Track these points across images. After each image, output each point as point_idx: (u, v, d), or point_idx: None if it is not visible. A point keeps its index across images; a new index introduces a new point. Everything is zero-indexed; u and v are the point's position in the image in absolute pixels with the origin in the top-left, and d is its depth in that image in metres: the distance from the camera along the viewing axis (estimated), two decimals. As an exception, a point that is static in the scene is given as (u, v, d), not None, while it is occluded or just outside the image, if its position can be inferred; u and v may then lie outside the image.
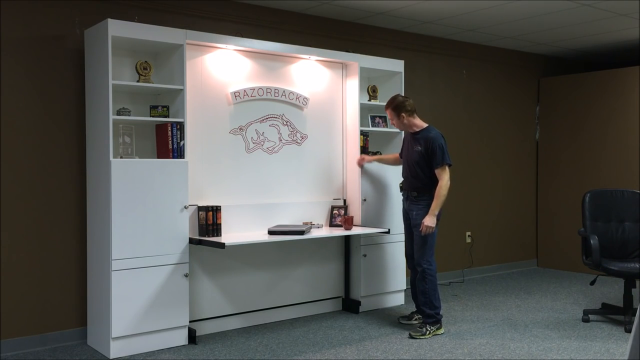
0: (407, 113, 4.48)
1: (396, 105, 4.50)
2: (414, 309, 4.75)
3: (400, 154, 4.79)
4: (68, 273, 4.17)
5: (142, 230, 3.92)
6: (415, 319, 4.65)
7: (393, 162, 4.95)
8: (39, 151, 4.07)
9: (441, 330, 4.42)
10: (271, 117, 4.72)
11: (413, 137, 4.53)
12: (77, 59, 4.18)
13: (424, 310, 4.40)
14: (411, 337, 4.30)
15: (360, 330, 4.51)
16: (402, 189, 4.71)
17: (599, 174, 6.70)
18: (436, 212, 4.34)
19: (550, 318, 4.87)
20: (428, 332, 4.33)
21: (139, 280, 3.91)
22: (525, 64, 7.15)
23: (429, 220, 4.32)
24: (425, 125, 4.53)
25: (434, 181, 4.39)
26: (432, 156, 4.36)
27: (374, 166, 5.09)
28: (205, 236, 4.19)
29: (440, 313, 4.44)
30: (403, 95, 4.65)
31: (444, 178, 4.34)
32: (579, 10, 5.23)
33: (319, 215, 4.94)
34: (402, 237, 5.21)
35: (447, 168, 4.37)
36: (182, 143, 4.10)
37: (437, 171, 4.36)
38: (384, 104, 5.27)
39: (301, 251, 4.85)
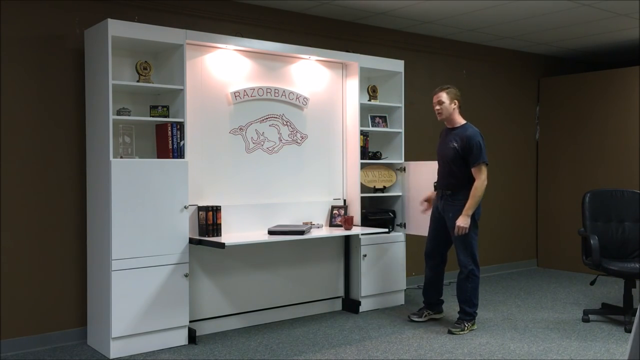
0: (458, 104, 4.47)
1: (451, 91, 4.47)
2: (422, 306, 4.82)
3: None
4: (68, 273, 4.17)
5: (142, 230, 3.92)
6: (425, 315, 4.70)
7: None
8: (39, 151, 4.07)
9: (475, 326, 4.52)
10: (271, 117, 4.72)
11: (449, 132, 4.50)
12: (77, 59, 4.18)
13: (464, 308, 4.46)
14: (450, 332, 4.39)
15: (360, 330, 4.51)
16: (436, 187, 4.67)
17: (599, 174, 6.70)
18: (470, 212, 4.30)
19: (550, 318, 4.87)
20: (466, 327, 4.43)
21: (139, 280, 3.91)
22: (525, 64, 7.16)
23: (462, 221, 4.30)
24: (464, 122, 4.50)
25: (470, 179, 4.34)
26: (469, 154, 4.32)
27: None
28: (205, 236, 4.18)
29: (477, 311, 4.53)
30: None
31: (481, 177, 4.30)
32: (579, 10, 5.23)
33: (319, 215, 4.94)
34: (403, 237, 5.24)
35: (484, 167, 4.32)
36: (182, 143, 4.10)
37: (473, 170, 4.32)
38: (384, 104, 5.30)
39: (301, 251, 4.85)
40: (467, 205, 4.31)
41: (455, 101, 4.46)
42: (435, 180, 4.70)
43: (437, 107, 4.49)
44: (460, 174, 4.38)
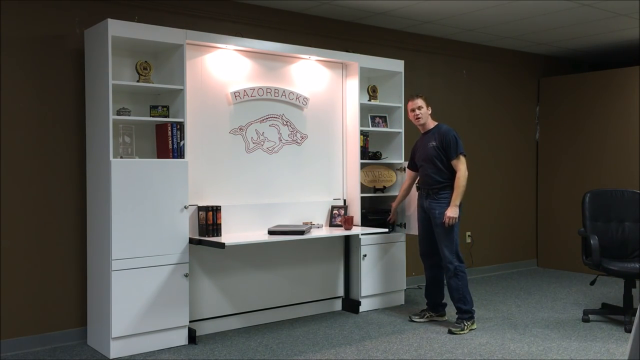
0: (429, 109, 4.65)
1: (425, 97, 4.66)
2: (424, 307, 4.84)
3: (411, 165, 4.82)
4: (68, 273, 4.17)
5: (142, 230, 3.92)
6: (426, 317, 4.71)
7: (409, 189, 4.96)
8: (39, 151, 4.06)
9: (474, 325, 4.51)
10: (271, 117, 4.72)
11: (425, 135, 4.66)
12: (77, 59, 4.18)
13: (459, 306, 4.48)
14: (451, 332, 4.40)
15: (360, 330, 4.51)
16: (418, 188, 4.74)
17: (599, 174, 6.70)
18: (457, 203, 4.42)
19: (550, 318, 4.87)
20: (465, 326, 4.43)
21: (139, 280, 3.91)
22: (525, 64, 7.15)
23: (452, 211, 4.40)
24: (435, 122, 4.68)
25: (454, 176, 4.48)
26: (448, 148, 4.47)
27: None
28: (205, 236, 4.18)
29: (473, 308, 4.54)
30: None
31: (461, 169, 4.44)
32: (579, 10, 5.23)
33: (319, 215, 4.94)
34: (403, 237, 5.24)
35: (462, 158, 4.47)
36: (182, 143, 4.10)
37: (453, 162, 4.47)
38: (384, 104, 5.31)
39: (301, 251, 4.85)
40: (453, 196, 4.43)
41: (430, 106, 4.65)
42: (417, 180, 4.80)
43: (417, 112, 4.63)
44: (445, 169, 4.50)
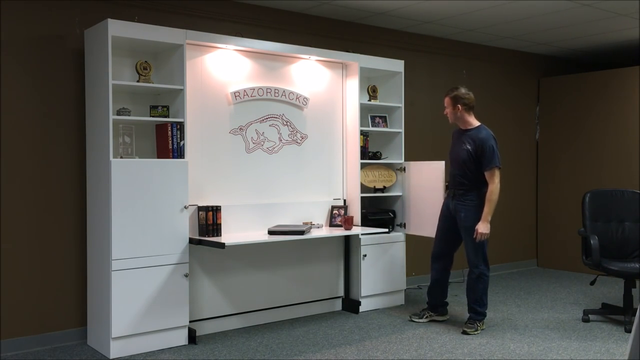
0: (463, 107, 4.43)
1: (455, 95, 4.44)
2: (424, 306, 4.83)
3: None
4: (68, 273, 4.17)
5: (142, 230, 3.92)
6: (426, 317, 4.70)
7: None
8: (39, 151, 4.07)
9: (484, 326, 4.51)
10: (271, 117, 4.72)
11: (462, 134, 4.49)
12: (77, 59, 4.18)
13: (475, 307, 4.47)
14: (465, 333, 4.39)
15: (360, 330, 4.51)
16: (447, 188, 4.67)
17: (599, 174, 6.70)
18: (489, 218, 4.35)
19: (550, 318, 4.87)
20: (478, 327, 4.43)
21: (139, 280, 3.91)
22: (525, 64, 7.15)
23: (483, 227, 4.34)
24: (477, 124, 4.49)
25: (482, 180, 4.36)
26: (482, 157, 4.33)
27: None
28: (205, 236, 4.18)
29: (487, 311, 4.55)
30: (466, 89, 4.51)
31: (494, 181, 4.31)
32: (579, 10, 5.23)
33: (319, 215, 4.94)
34: (403, 237, 5.24)
35: (496, 171, 4.32)
36: (182, 143, 4.10)
37: (486, 174, 4.33)
38: (384, 104, 5.30)
39: (301, 251, 4.85)
40: (485, 212, 4.34)
41: (459, 105, 4.43)
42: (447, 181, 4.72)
43: (445, 112, 4.53)
44: (472, 175, 4.39)
